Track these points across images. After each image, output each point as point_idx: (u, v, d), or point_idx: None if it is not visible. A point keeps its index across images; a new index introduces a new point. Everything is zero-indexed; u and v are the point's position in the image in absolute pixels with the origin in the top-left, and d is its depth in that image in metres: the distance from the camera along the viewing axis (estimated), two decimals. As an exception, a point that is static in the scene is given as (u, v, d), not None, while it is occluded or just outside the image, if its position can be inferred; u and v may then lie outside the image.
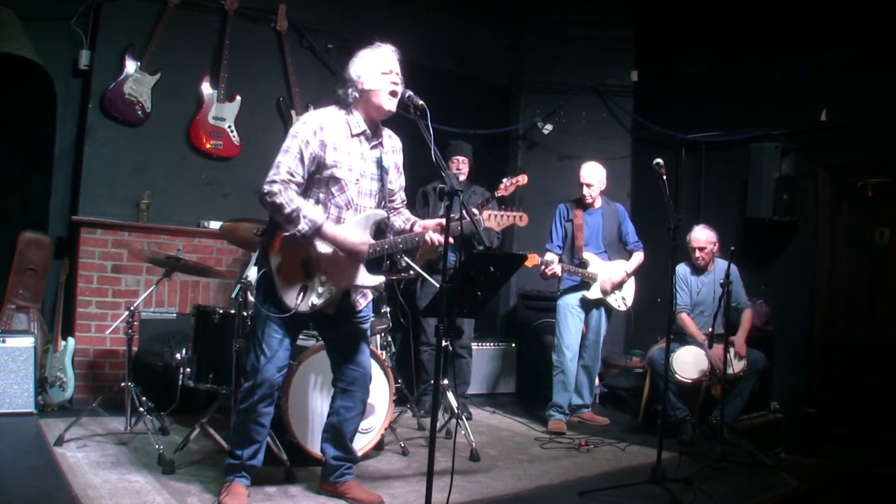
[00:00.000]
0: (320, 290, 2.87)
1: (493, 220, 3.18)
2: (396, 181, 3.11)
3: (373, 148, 2.97)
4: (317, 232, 2.79)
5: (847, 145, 5.24)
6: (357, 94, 2.88)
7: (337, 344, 3.09)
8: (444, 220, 2.55)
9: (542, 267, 4.67)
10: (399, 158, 3.12)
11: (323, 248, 2.86)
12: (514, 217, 3.22)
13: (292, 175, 2.78)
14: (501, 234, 5.04)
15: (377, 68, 2.85)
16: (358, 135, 2.91)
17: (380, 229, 3.03)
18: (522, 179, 4.03)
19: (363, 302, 3.08)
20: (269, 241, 2.88)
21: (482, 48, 6.55)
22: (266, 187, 2.76)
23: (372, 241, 2.92)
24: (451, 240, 2.74)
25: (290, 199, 2.76)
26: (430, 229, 2.92)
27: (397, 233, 3.09)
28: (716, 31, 6.07)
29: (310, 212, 2.78)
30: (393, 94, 2.84)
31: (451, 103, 5.61)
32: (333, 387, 3.13)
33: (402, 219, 3.12)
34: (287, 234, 2.80)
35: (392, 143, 3.08)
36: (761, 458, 4.20)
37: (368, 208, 2.96)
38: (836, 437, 4.98)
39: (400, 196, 3.16)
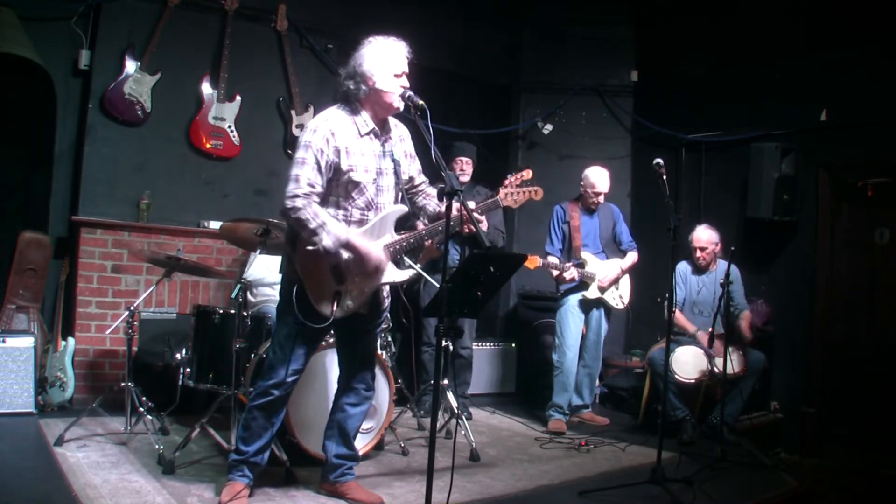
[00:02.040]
0: (354, 293, 2.87)
1: (509, 198, 3.16)
2: (412, 167, 3.09)
3: (383, 143, 2.96)
4: (342, 247, 2.77)
5: (847, 145, 5.24)
6: (367, 89, 2.85)
7: (349, 341, 3.09)
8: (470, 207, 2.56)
9: (556, 272, 4.68)
10: (408, 146, 3.09)
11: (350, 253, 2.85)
12: (530, 192, 3.21)
13: (313, 187, 2.75)
14: (504, 231, 5.06)
15: (391, 69, 2.82)
16: (367, 133, 2.90)
17: (408, 218, 3.03)
18: (527, 174, 4.04)
19: (387, 300, 3.11)
20: (294, 251, 2.86)
21: (482, 48, 6.55)
22: (288, 202, 2.72)
23: (395, 238, 2.92)
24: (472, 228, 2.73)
25: (314, 213, 2.73)
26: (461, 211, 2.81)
27: (432, 218, 3.08)
28: (716, 31, 6.07)
29: (334, 227, 2.76)
30: (401, 96, 2.83)
31: (451, 103, 5.61)
32: (339, 383, 3.14)
33: (435, 202, 3.10)
34: (311, 248, 2.77)
35: (398, 132, 3.06)
36: (761, 458, 4.20)
37: (389, 204, 2.96)
38: (836, 437, 4.98)
39: (420, 178, 3.14)
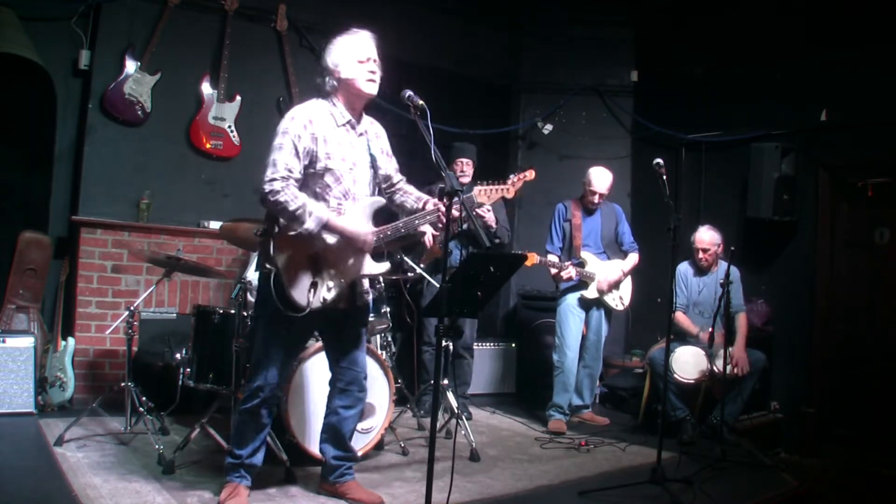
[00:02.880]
0: (331, 283, 2.86)
1: (482, 195, 3.13)
2: (389, 165, 3.11)
3: (360, 136, 2.98)
4: (324, 227, 2.78)
5: (847, 145, 5.24)
6: (335, 83, 2.89)
7: (336, 343, 3.08)
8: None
9: (555, 270, 4.68)
10: (384, 144, 3.11)
11: (329, 239, 2.84)
12: (502, 190, 3.16)
13: (290, 171, 2.76)
14: (509, 229, 5.05)
15: (354, 56, 2.86)
16: (344, 124, 2.92)
17: (390, 213, 3.03)
18: (530, 175, 4.00)
19: (368, 297, 3.09)
20: (270, 240, 2.85)
21: (482, 48, 6.55)
22: (266, 186, 2.73)
23: (375, 228, 2.92)
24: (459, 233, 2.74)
25: (293, 195, 2.74)
26: (439, 206, 2.84)
27: (409, 213, 3.07)
28: (716, 31, 6.07)
29: (314, 208, 2.77)
30: (371, 81, 2.85)
31: (451, 103, 5.61)
32: (330, 386, 3.13)
33: (413, 198, 3.10)
34: (293, 233, 2.77)
35: (374, 129, 3.08)
36: (761, 458, 4.20)
37: (365, 196, 2.97)
38: (836, 437, 4.98)
39: (397, 175, 3.15)
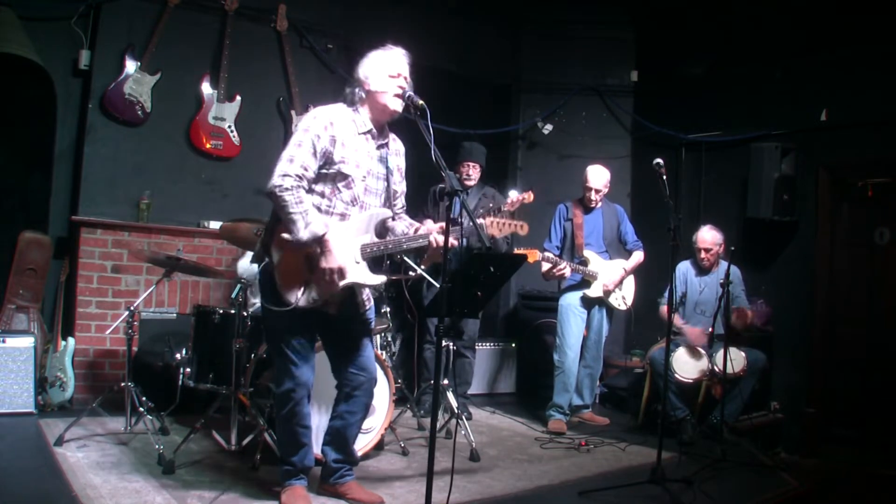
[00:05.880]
0: (322, 285, 2.83)
1: (495, 226, 3.17)
2: (399, 184, 3.11)
3: (379, 147, 2.98)
4: (316, 241, 2.75)
5: (847, 145, 5.24)
6: (363, 94, 2.90)
7: (339, 347, 3.06)
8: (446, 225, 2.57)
9: (549, 267, 4.66)
10: (402, 162, 3.12)
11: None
12: (516, 226, 3.23)
13: (306, 169, 2.76)
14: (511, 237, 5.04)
15: (385, 71, 2.87)
16: (364, 133, 2.92)
17: (384, 229, 3.03)
18: (529, 197, 4.06)
19: (367, 304, 3.07)
20: (271, 236, 2.85)
21: (482, 48, 6.55)
22: (277, 180, 2.70)
23: (374, 240, 2.91)
24: (454, 243, 2.75)
25: (299, 198, 2.72)
26: (433, 232, 2.91)
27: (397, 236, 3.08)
28: (716, 31, 6.07)
29: (314, 219, 2.73)
30: (398, 96, 2.85)
31: (451, 103, 5.60)
32: (337, 390, 3.11)
33: (405, 224, 3.11)
34: (286, 236, 2.75)
35: (396, 146, 3.10)
36: (761, 458, 4.21)
37: (374, 206, 2.96)
38: (836, 437, 4.98)
39: (401, 201, 3.16)
